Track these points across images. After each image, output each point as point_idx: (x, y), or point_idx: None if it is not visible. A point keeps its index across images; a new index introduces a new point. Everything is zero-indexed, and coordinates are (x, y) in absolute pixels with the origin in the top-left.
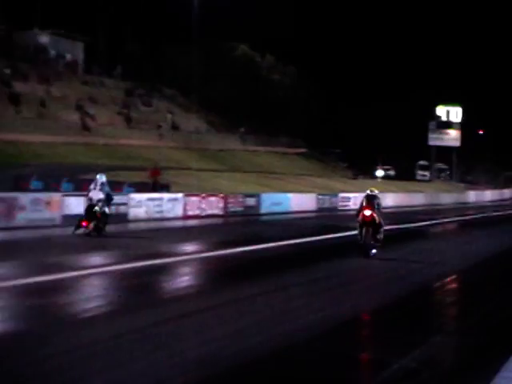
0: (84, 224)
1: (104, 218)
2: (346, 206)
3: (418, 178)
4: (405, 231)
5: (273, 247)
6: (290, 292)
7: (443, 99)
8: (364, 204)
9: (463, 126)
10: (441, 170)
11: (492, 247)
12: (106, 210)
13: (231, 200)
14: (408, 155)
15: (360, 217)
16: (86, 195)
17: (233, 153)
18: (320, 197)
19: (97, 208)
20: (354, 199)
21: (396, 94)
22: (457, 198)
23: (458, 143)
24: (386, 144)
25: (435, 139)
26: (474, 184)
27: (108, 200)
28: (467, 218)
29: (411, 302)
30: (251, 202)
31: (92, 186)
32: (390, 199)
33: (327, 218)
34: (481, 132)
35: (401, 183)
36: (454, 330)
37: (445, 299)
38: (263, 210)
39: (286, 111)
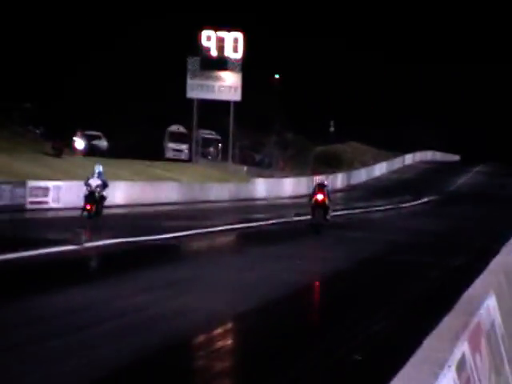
0: (88, 207)
1: (102, 201)
2: (41, 202)
3: (170, 154)
4: (134, 249)
5: None
6: None
7: (213, 21)
8: (316, 190)
9: (247, 67)
10: (208, 143)
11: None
12: (104, 194)
13: None
14: (152, 115)
15: (313, 200)
16: (85, 183)
17: None
18: None
19: (96, 193)
20: (56, 191)
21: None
22: (235, 191)
23: (237, 96)
24: (115, 96)
25: (198, 88)
26: (266, 167)
27: (104, 186)
28: (252, 225)
29: None
30: None
31: (90, 175)
32: (118, 192)
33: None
34: (276, 76)
35: (139, 164)
36: None
37: None
38: None
39: None
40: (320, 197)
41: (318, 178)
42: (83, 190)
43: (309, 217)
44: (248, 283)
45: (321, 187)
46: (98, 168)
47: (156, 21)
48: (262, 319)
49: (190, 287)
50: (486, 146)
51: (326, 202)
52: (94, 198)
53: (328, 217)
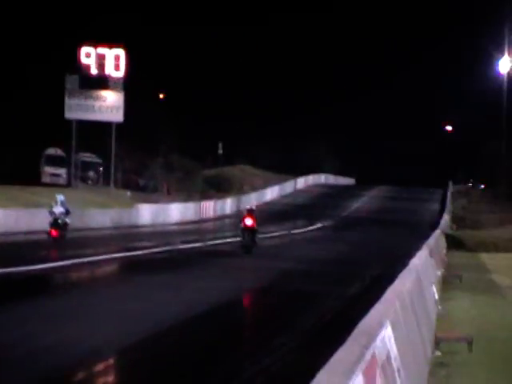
0: (53, 233)
1: (65, 227)
2: None
3: (47, 179)
4: (5, 280)
5: None
6: None
7: (93, 36)
8: (246, 214)
9: (131, 86)
10: (88, 167)
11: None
12: (68, 220)
13: None
14: (28, 136)
15: (242, 224)
16: (49, 211)
17: None
18: None
19: (59, 220)
20: None
21: None
22: (118, 217)
23: (119, 116)
24: None
25: (77, 108)
26: (151, 192)
27: (67, 213)
28: (136, 253)
29: None
30: None
31: (53, 204)
32: None
33: None
34: (161, 97)
35: (13, 190)
36: None
37: None
38: None
39: None
40: (249, 222)
41: (248, 205)
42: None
43: (197, 244)
44: (131, 315)
45: (250, 212)
46: (60, 197)
47: (35, 36)
48: (144, 354)
49: (68, 320)
50: (381, 168)
51: (255, 226)
52: (58, 225)
53: (256, 239)
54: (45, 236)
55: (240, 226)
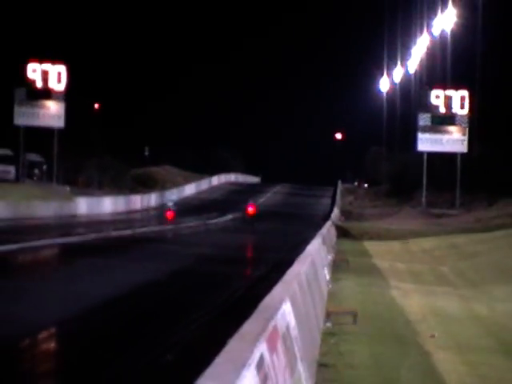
0: (169, 215)
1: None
2: None
3: None
4: None
5: None
6: None
7: (38, 53)
8: (248, 204)
9: (70, 97)
10: (33, 165)
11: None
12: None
13: None
14: None
15: (245, 212)
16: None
17: None
18: None
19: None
20: None
21: None
22: (59, 208)
23: (61, 123)
24: None
25: (25, 116)
26: (87, 187)
27: (174, 205)
28: (75, 239)
29: None
30: None
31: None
32: None
33: None
34: (96, 106)
35: None
36: None
37: None
38: None
39: None
40: (251, 209)
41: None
42: None
43: (128, 231)
44: (69, 295)
45: (250, 203)
46: (172, 197)
47: None
48: (80, 327)
49: (9, 298)
50: (282, 169)
51: (255, 213)
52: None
53: (255, 224)
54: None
55: (243, 213)
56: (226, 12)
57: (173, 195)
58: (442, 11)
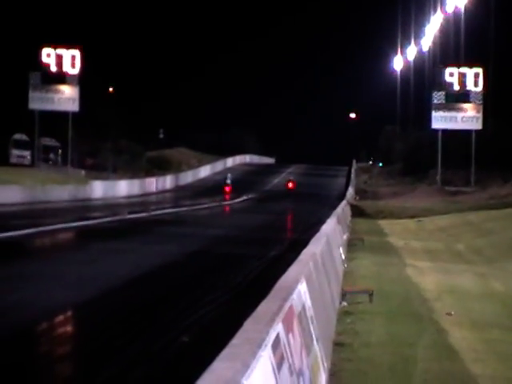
0: (227, 189)
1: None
2: None
3: (14, 160)
4: None
5: None
6: None
7: (52, 38)
8: (289, 181)
9: (84, 80)
10: (49, 149)
11: None
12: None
13: None
14: None
15: (286, 187)
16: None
17: None
18: None
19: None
20: None
21: None
22: (75, 192)
23: (75, 107)
24: None
25: (40, 100)
26: (99, 171)
27: (232, 182)
28: (91, 222)
29: None
30: None
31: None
32: None
33: None
34: (111, 89)
35: None
36: None
37: None
38: None
39: None
40: (291, 185)
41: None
42: None
43: (143, 214)
44: (87, 277)
45: (290, 180)
46: (229, 175)
47: None
48: (98, 309)
49: (29, 282)
50: (297, 149)
51: (295, 187)
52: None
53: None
54: (14, 208)
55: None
56: None
57: (228, 173)
58: None
